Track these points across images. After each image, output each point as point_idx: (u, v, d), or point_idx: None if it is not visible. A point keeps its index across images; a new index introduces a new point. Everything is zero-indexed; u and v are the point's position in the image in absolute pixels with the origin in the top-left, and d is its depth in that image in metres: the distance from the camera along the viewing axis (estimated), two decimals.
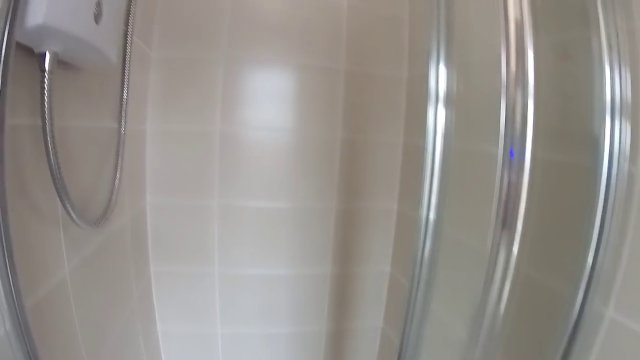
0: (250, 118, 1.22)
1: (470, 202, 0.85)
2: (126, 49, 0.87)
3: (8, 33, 0.44)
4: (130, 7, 0.86)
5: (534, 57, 0.58)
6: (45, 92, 0.55)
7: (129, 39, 0.87)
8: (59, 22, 0.50)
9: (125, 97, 0.88)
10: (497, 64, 0.83)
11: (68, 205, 0.63)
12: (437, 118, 0.76)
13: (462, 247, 0.88)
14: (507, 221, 0.58)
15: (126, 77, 0.88)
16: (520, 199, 0.57)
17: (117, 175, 0.85)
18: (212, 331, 1.31)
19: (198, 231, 1.24)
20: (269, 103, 1.23)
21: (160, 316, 1.28)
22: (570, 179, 0.72)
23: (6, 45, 0.44)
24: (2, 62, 0.44)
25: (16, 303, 0.49)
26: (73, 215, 0.65)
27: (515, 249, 0.58)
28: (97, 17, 0.59)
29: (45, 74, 0.55)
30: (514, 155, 0.57)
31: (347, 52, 1.25)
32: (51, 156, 0.58)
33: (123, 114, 0.88)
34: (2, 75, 0.44)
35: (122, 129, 0.88)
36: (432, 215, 0.75)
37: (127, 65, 0.88)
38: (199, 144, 1.20)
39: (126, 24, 0.86)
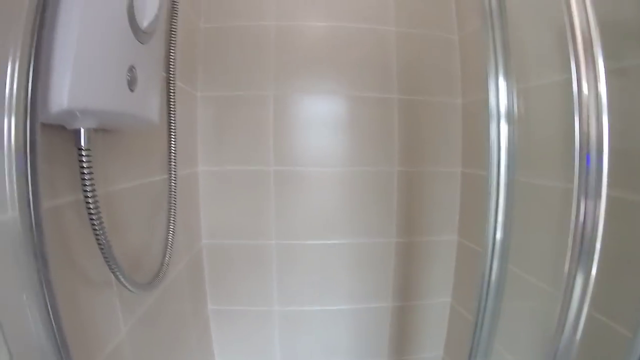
0: (304, 154, 1.19)
1: (537, 233, 0.82)
2: (170, 95, 0.85)
3: (30, 124, 0.40)
4: (169, 54, 0.83)
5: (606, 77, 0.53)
6: (85, 170, 0.52)
7: (172, 85, 0.85)
8: (87, 101, 0.47)
9: (173, 146, 0.86)
10: (559, 89, 0.75)
11: (120, 277, 0.61)
12: (500, 145, 0.70)
13: (528, 281, 0.83)
14: (584, 249, 0.55)
15: (172, 125, 0.86)
16: (597, 226, 0.54)
17: (171, 229, 0.83)
18: None
19: (256, 270, 1.22)
20: (322, 138, 1.20)
21: (220, 354, 1.26)
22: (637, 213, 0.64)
23: (30, 138, 0.40)
24: (29, 160, 0.41)
25: None
26: (127, 284, 0.63)
27: (593, 276, 0.55)
28: (132, 84, 0.55)
29: (82, 152, 0.52)
30: (590, 162, 0.54)
31: (398, 81, 1.19)
32: (98, 232, 0.55)
33: (172, 164, 0.86)
34: (32, 170, 0.41)
35: (173, 178, 0.86)
36: (497, 246, 0.71)
37: (172, 113, 0.85)
38: (253, 183, 1.19)
39: (167, 70, 0.84)
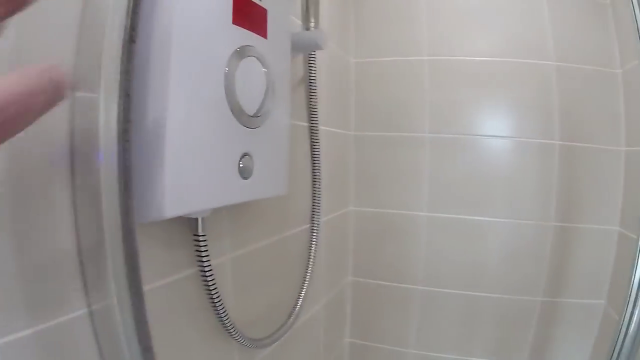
0: (458, 202, 1.11)
1: None
2: (313, 145, 0.82)
3: (126, 230, 0.41)
4: (310, 102, 0.80)
5: None
6: (202, 254, 0.55)
7: (315, 133, 0.82)
8: (189, 204, 0.47)
9: (317, 196, 0.84)
10: None
11: (238, 338, 0.63)
12: None
13: None
14: None
15: (317, 175, 0.84)
16: None
17: (306, 281, 0.82)
18: None
19: (397, 312, 1.20)
20: (477, 184, 1.11)
21: None
22: None
23: (129, 244, 0.42)
24: (129, 263, 0.43)
25: None
26: (245, 343, 0.65)
27: None
28: (245, 172, 0.54)
29: (199, 238, 0.54)
30: None
31: (560, 124, 1.05)
32: (215, 303, 0.58)
33: (315, 214, 0.85)
34: (132, 272, 0.44)
35: (315, 229, 0.85)
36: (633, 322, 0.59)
37: (316, 164, 0.83)
38: (404, 227, 1.16)
39: (309, 120, 0.81)
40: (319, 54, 0.82)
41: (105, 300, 0.41)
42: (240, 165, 0.53)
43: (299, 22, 0.76)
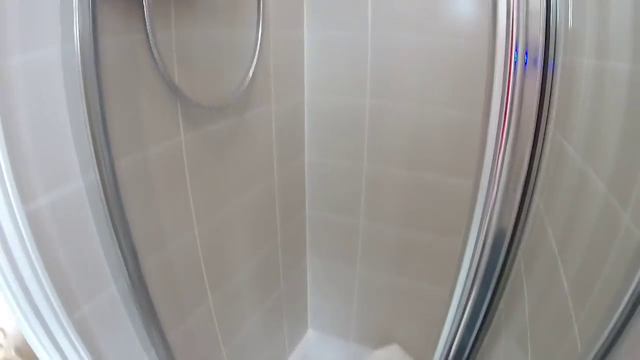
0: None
1: None
2: None
3: None
4: None
5: None
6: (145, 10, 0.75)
7: None
8: None
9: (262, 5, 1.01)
10: None
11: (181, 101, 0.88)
12: None
13: None
14: None
15: None
16: None
17: (250, 74, 1.04)
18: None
19: (349, 192, 1.52)
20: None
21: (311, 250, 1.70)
22: None
23: None
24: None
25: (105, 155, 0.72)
26: (186, 104, 0.90)
27: None
28: None
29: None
30: None
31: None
32: (158, 65, 0.80)
33: (260, 22, 1.03)
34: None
35: (259, 37, 1.04)
36: None
37: None
38: (350, 50, 1.34)
39: None
40: None
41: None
42: None
43: None
